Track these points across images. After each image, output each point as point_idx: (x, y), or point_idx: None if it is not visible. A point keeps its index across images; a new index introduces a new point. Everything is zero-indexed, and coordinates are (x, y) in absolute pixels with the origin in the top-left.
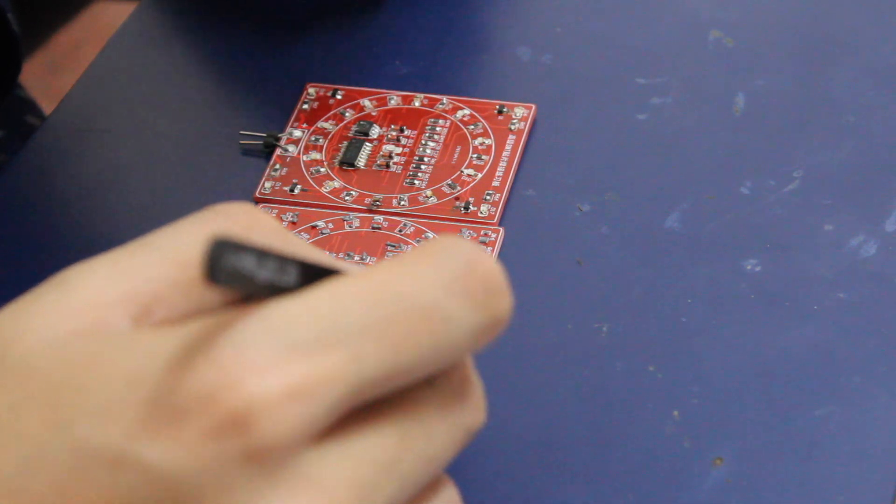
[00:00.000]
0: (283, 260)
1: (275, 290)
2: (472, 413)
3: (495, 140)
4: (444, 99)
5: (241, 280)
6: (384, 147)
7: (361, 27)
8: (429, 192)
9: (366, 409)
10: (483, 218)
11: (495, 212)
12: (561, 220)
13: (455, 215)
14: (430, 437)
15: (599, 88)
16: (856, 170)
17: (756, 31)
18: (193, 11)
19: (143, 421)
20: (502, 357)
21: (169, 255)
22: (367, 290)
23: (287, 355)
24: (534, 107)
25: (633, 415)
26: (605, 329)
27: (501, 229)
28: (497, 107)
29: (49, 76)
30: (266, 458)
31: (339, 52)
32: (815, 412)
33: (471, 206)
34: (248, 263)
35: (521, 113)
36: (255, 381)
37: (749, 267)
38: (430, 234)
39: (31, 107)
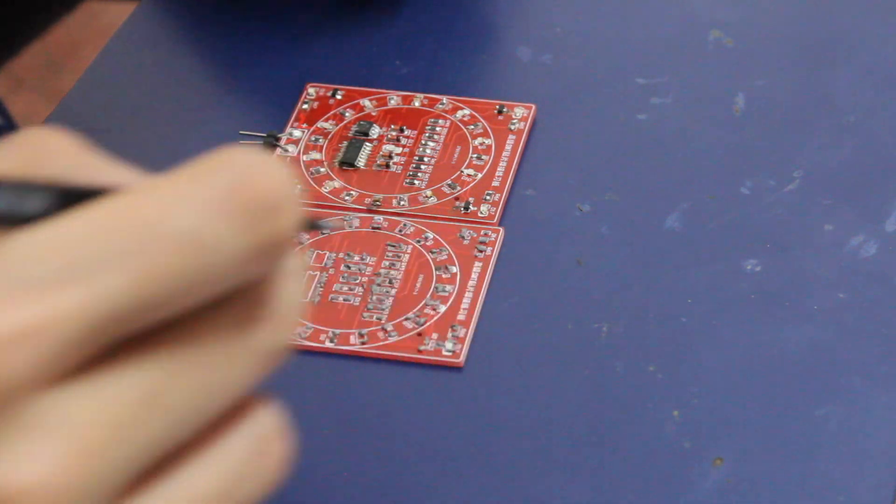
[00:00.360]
0: (20, 187)
1: (18, 223)
2: (268, 334)
3: (495, 140)
4: (444, 99)
5: None
6: (384, 147)
7: (361, 27)
8: (429, 192)
9: (137, 341)
10: (483, 218)
11: (495, 212)
12: (561, 220)
13: (455, 215)
14: (212, 364)
15: (599, 88)
16: (856, 170)
17: (756, 31)
18: (193, 11)
19: None
20: (502, 357)
21: None
22: (113, 218)
23: (12, 295)
24: (534, 107)
25: (633, 415)
26: (605, 329)
27: (501, 229)
28: (497, 107)
29: (49, 76)
30: None
31: (339, 52)
32: (815, 412)
33: (471, 206)
34: None
35: (521, 113)
36: None
37: (749, 267)
38: (430, 235)
39: None
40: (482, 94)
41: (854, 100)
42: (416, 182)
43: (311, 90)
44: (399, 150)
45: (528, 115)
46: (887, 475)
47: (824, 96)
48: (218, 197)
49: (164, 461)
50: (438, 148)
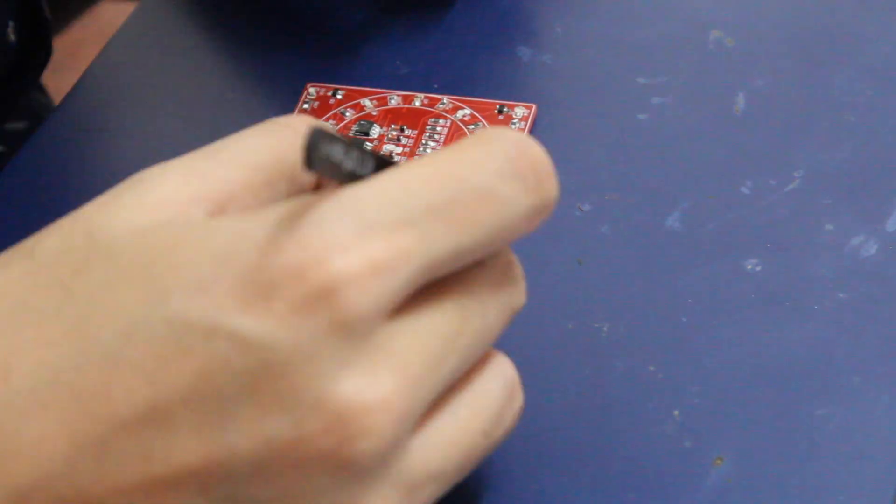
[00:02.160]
0: (363, 152)
1: (354, 180)
2: (517, 293)
3: None
4: (445, 99)
5: (330, 167)
6: (384, 147)
7: (361, 27)
8: None
9: (428, 289)
10: None
11: None
12: (561, 220)
13: None
14: (485, 313)
15: (600, 88)
16: (856, 170)
17: (756, 31)
18: (194, 11)
19: (236, 295)
20: None
21: (239, 158)
22: (429, 174)
23: (364, 234)
24: (534, 107)
25: (633, 415)
26: (605, 329)
27: None
28: (497, 107)
29: (49, 76)
30: (351, 329)
31: (339, 52)
32: (815, 412)
33: None
34: (337, 153)
35: (521, 113)
36: (339, 257)
37: (749, 267)
38: None
39: (48, 107)
40: (482, 94)
41: (854, 99)
42: None
43: (311, 90)
44: (399, 149)
45: (529, 114)
46: (887, 475)
47: (825, 96)
48: (506, 162)
49: (441, 398)
50: (439, 148)
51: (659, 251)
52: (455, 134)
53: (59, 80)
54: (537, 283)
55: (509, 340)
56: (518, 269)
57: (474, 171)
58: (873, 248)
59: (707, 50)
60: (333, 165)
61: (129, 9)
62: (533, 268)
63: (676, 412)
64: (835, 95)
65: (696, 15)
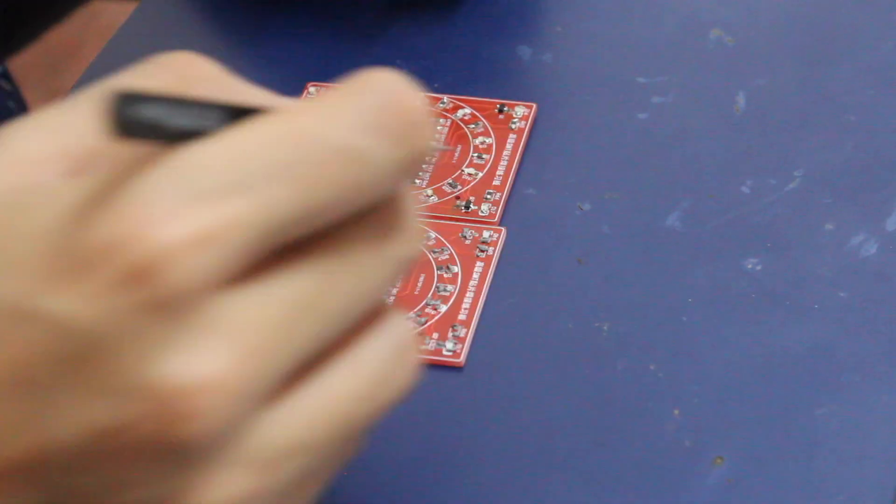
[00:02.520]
0: (201, 105)
1: (194, 137)
2: (403, 245)
3: (496, 139)
4: (445, 98)
5: (150, 130)
6: None
7: (361, 27)
8: (429, 191)
9: (290, 250)
10: (484, 217)
11: (496, 211)
12: (561, 220)
13: (456, 214)
14: (358, 272)
15: (600, 88)
16: (856, 169)
17: (756, 31)
18: (193, 12)
19: (46, 274)
20: (503, 357)
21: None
22: (279, 132)
23: (192, 202)
24: (534, 106)
25: (633, 414)
26: (605, 328)
27: (503, 229)
28: (498, 106)
29: (49, 76)
30: (171, 307)
31: (339, 52)
32: (816, 412)
33: (471, 206)
34: (156, 112)
35: (521, 112)
36: (158, 230)
37: (750, 266)
38: (432, 234)
39: (13, 95)
40: (483, 94)
41: (855, 98)
42: (416, 181)
43: (311, 90)
44: None
45: (529, 114)
46: (887, 475)
47: (825, 95)
48: (370, 114)
49: (312, 363)
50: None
51: (659, 251)
52: (455, 133)
53: (59, 80)
54: (537, 283)
55: (509, 340)
56: (406, 219)
57: (328, 126)
58: (873, 247)
59: (707, 49)
60: (154, 128)
61: (129, 9)
62: (533, 267)
63: (676, 411)
64: (835, 95)
65: (696, 14)
